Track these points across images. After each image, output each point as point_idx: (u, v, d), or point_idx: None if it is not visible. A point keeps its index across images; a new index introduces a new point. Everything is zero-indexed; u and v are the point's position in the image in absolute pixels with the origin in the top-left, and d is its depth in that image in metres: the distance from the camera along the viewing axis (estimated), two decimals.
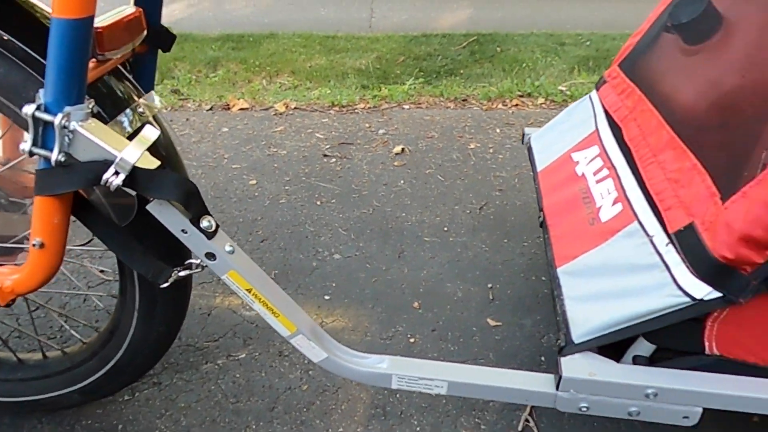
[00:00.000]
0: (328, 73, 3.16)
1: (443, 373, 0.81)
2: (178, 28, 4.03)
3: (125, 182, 0.67)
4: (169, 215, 0.71)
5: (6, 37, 0.69)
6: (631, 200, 0.89)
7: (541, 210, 1.09)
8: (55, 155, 0.66)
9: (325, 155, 1.99)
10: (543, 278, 1.42)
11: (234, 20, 4.35)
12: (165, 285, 0.78)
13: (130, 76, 0.83)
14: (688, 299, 0.70)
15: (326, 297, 1.36)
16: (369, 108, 2.37)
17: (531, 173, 1.57)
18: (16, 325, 1.25)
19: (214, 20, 4.34)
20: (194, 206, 0.71)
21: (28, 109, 0.64)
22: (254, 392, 1.13)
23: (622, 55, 1.17)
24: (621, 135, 1.02)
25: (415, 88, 2.59)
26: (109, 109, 0.74)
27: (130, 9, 0.78)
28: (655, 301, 0.75)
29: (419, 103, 2.41)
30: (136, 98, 0.81)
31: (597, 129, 1.11)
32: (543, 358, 1.20)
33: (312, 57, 3.49)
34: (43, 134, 0.66)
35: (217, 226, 0.74)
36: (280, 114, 2.33)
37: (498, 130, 2.14)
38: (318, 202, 1.72)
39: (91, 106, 0.69)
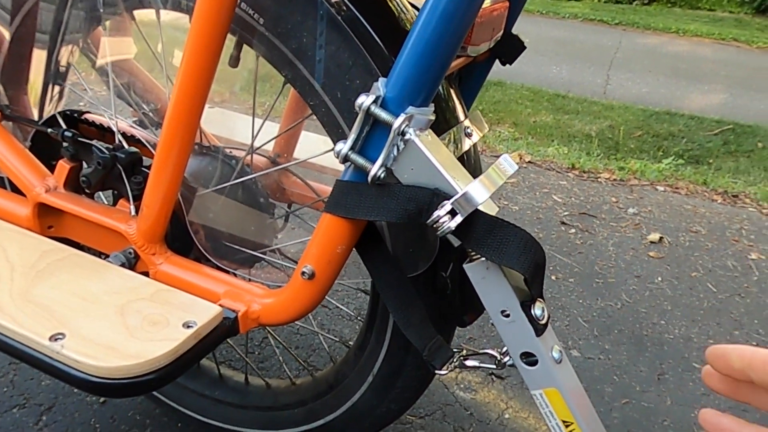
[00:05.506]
0: (553, 132, 2.92)
1: None
2: None
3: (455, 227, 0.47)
4: (494, 286, 0.49)
5: (349, 8, 0.54)
6: None
7: None
8: (375, 168, 0.48)
9: (563, 223, 1.71)
10: None
11: None
12: (442, 372, 0.56)
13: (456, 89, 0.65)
14: None
15: None
16: (614, 180, 2.04)
17: None
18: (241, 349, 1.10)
19: None
20: (536, 285, 0.48)
21: (364, 101, 0.46)
22: None
23: None
24: None
25: (671, 168, 2.22)
26: (435, 126, 0.55)
27: None
28: None
29: (676, 188, 2.03)
30: (462, 116, 0.61)
31: None
32: None
33: (538, 112, 3.29)
34: (367, 138, 0.49)
35: (548, 318, 0.51)
36: None
37: None
38: (553, 277, 1.44)
39: (433, 115, 0.50)
